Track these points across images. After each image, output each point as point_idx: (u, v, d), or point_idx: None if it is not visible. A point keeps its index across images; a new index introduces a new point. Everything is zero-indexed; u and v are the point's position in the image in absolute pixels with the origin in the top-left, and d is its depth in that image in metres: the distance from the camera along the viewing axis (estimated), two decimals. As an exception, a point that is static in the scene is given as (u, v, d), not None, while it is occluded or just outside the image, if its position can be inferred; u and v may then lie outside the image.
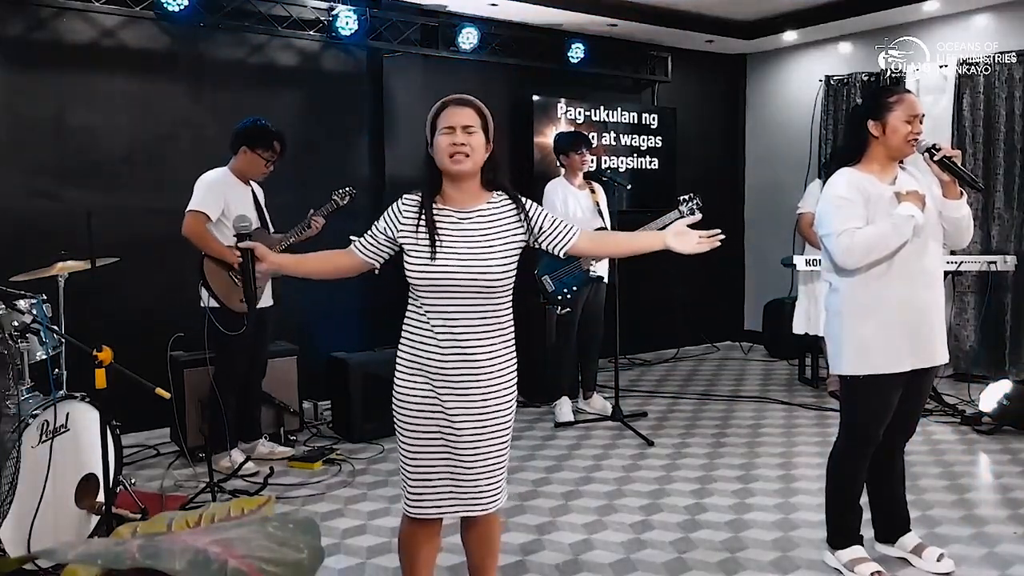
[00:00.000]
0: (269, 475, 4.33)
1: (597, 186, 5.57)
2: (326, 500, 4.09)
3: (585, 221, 5.37)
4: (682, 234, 2.50)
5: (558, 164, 5.56)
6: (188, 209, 4.30)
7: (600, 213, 5.44)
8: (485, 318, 2.47)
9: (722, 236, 2.50)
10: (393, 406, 2.55)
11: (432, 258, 2.42)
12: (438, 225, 2.46)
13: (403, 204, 2.54)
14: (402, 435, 2.53)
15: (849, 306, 3.02)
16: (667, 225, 5.30)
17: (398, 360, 2.56)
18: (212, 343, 4.36)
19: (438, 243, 2.43)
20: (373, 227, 2.58)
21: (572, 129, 6.54)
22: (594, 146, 6.89)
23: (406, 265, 2.48)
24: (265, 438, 4.75)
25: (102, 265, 3.73)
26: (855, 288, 3.00)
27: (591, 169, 5.86)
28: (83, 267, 3.80)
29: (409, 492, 2.54)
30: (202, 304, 4.33)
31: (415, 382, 2.50)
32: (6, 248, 4.47)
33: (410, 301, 2.54)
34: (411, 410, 2.50)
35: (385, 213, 2.56)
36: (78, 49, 4.96)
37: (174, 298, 5.09)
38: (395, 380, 2.55)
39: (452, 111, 2.49)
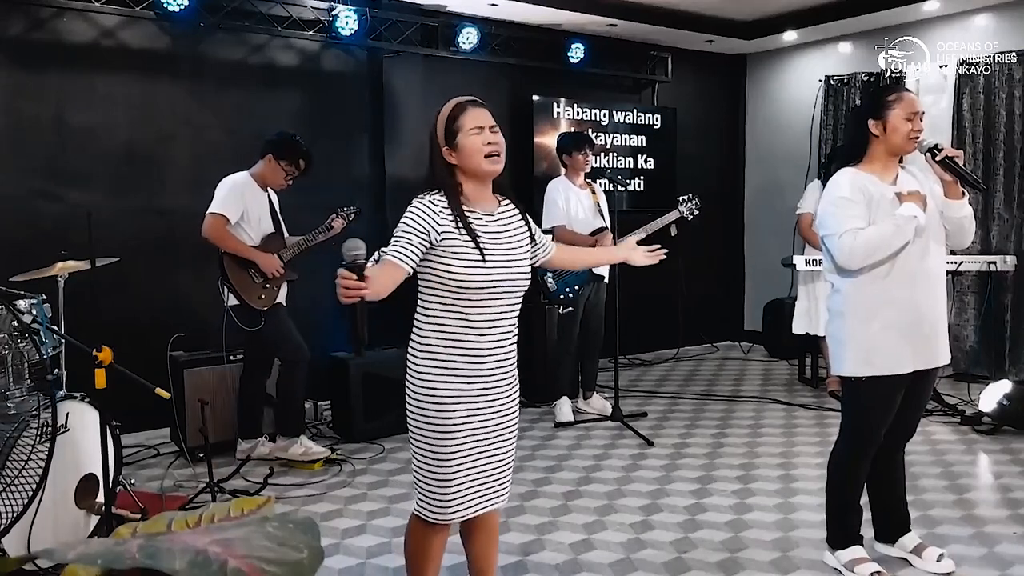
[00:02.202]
0: (269, 475, 4.34)
1: (597, 186, 5.58)
2: (326, 500, 4.09)
3: (587, 221, 5.38)
4: (634, 248, 2.91)
5: (561, 164, 5.56)
6: (209, 211, 4.40)
7: (600, 213, 5.45)
8: (514, 317, 2.51)
9: (665, 252, 2.89)
10: (427, 418, 2.42)
11: (483, 260, 2.38)
12: (474, 227, 2.42)
13: (435, 206, 2.39)
14: (440, 446, 2.41)
15: (851, 307, 3.01)
16: (669, 224, 5.41)
17: (430, 368, 2.42)
18: (246, 341, 4.56)
19: (482, 245, 2.40)
20: (407, 234, 2.36)
21: (573, 129, 6.54)
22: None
23: (449, 267, 2.37)
24: (265, 438, 4.75)
25: (102, 265, 3.73)
26: (857, 289, 2.99)
27: (595, 167, 5.87)
28: (83, 267, 3.80)
29: (442, 500, 2.44)
30: (224, 303, 4.46)
31: (455, 390, 2.41)
32: (6, 248, 4.47)
33: (437, 305, 2.41)
34: (452, 419, 2.41)
35: (415, 217, 2.37)
36: (78, 49, 4.95)
37: (174, 298, 5.10)
38: (428, 390, 2.41)
39: (476, 111, 2.46)
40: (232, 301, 4.45)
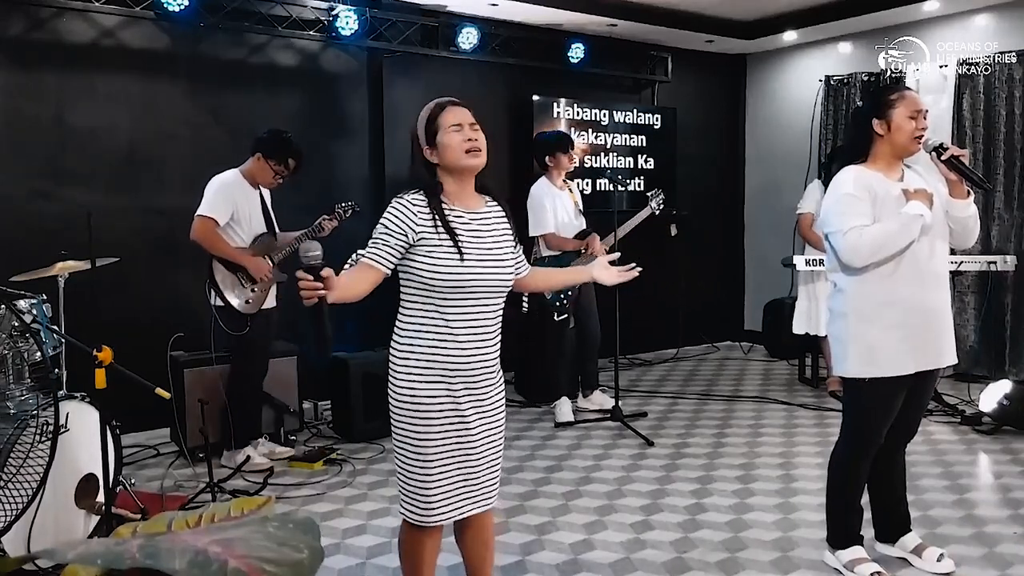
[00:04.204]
0: (269, 475, 4.34)
1: (573, 185, 5.60)
2: (326, 500, 4.09)
3: (570, 224, 5.39)
4: (606, 268, 2.71)
5: (542, 165, 5.47)
6: (197, 214, 4.34)
7: (580, 212, 5.46)
8: (497, 318, 2.50)
9: (639, 270, 2.69)
10: (407, 417, 2.43)
11: (462, 259, 2.38)
12: (453, 225, 2.41)
13: (413, 205, 2.40)
14: (420, 445, 2.41)
15: (855, 307, 3.00)
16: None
17: (410, 367, 2.43)
18: (229, 345, 4.45)
19: (462, 244, 2.39)
20: (384, 236, 2.39)
21: (572, 129, 6.55)
22: (593, 146, 6.93)
23: (427, 267, 2.37)
24: (265, 438, 4.74)
25: (102, 265, 3.73)
26: (861, 289, 2.98)
27: (594, 167, 5.89)
28: (83, 267, 3.80)
29: (423, 501, 2.44)
30: (211, 304, 4.41)
31: (435, 389, 2.41)
32: (6, 248, 4.47)
33: (418, 304, 2.43)
34: (432, 418, 2.41)
35: (392, 218, 2.39)
36: (78, 49, 4.95)
37: (174, 298, 5.10)
38: (408, 389, 2.43)
39: (455, 110, 2.49)
40: (219, 303, 4.39)
